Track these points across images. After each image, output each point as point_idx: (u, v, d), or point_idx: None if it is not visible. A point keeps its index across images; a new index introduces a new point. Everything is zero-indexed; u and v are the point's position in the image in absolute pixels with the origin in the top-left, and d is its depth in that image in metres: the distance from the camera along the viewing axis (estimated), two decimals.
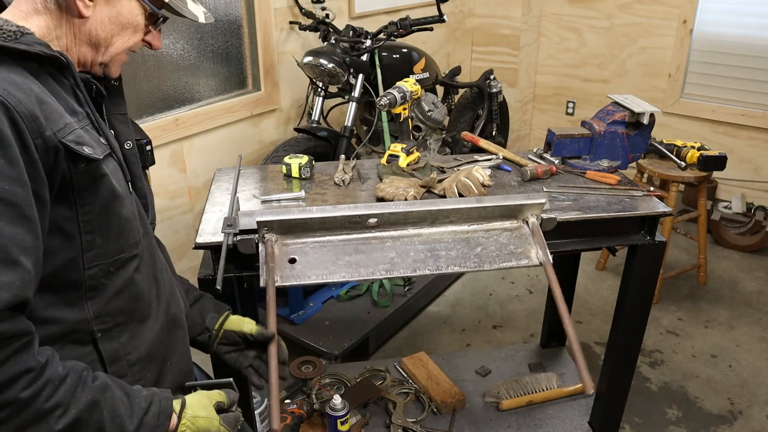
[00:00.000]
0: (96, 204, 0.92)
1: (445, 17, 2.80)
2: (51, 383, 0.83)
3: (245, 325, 1.29)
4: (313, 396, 2.15)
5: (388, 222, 1.43)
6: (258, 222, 1.34)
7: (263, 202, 1.70)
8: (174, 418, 0.98)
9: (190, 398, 1.04)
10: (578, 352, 1.27)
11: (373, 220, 1.41)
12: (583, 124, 1.99)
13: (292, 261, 1.38)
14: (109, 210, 0.95)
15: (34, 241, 0.83)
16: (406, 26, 2.76)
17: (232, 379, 1.16)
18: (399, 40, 2.96)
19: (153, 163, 1.19)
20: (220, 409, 1.06)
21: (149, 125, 2.41)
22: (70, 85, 0.93)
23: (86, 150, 0.89)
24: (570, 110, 4.41)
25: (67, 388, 0.85)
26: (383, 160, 1.93)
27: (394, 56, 2.90)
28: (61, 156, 0.86)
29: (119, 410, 0.90)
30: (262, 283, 1.30)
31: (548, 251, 1.43)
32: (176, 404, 1.00)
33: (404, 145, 1.95)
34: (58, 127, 0.86)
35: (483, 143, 2.08)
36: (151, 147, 1.18)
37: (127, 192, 1.01)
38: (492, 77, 3.53)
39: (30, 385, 0.80)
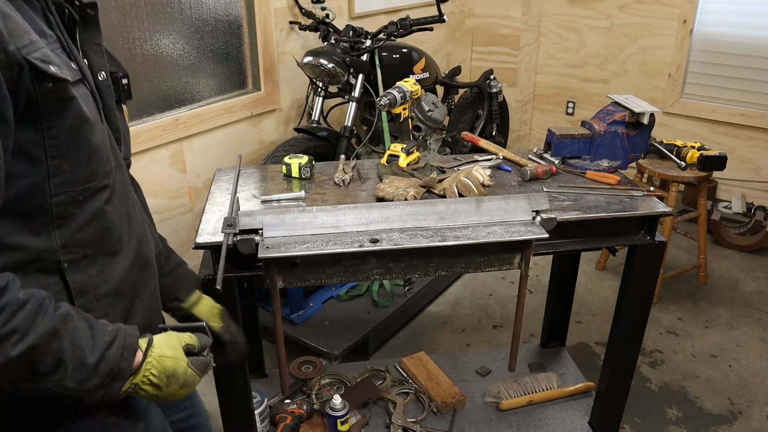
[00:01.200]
0: (63, 127, 0.88)
1: (445, 17, 2.80)
2: (8, 307, 0.80)
3: (213, 320, 1.32)
4: (313, 396, 2.15)
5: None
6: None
7: (263, 202, 1.70)
8: (139, 355, 0.95)
9: (158, 337, 1.01)
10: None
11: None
12: (583, 124, 1.99)
13: (293, 264, 1.40)
14: (77, 135, 0.90)
15: None
16: (406, 26, 2.76)
17: (204, 323, 1.13)
18: (399, 40, 2.96)
19: (129, 97, 1.14)
20: (189, 352, 1.04)
21: (149, 125, 2.41)
22: (40, 7, 0.90)
23: (52, 68, 0.85)
24: (570, 110, 4.41)
25: (26, 314, 0.82)
26: (383, 160, 1.93)
27: (394, 56, 2.90)
28: (25, 73, 0.82)
29: (80, 341, 0.87)
30: (265, 287, 1.39)
31: (529, 266, 1.49)
32: (142, 342, 0.97)
33: (404, 145, 1.95)
34: (22, 43, 0.82)
35: (483, 143, 2.08)
36: (128, 81, 1.14)
37: (98, 120, 0.97)
38: (492, 77, 3.53)
39: None
